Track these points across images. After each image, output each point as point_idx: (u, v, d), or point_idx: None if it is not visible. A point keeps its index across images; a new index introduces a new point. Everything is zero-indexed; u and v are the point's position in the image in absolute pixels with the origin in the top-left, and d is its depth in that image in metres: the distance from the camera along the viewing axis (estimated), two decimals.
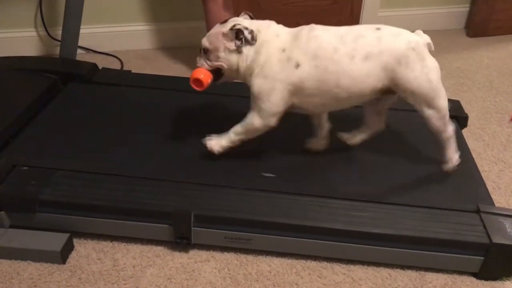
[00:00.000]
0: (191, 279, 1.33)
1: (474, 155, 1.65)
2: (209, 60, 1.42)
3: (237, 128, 1.48)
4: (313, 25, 1.40)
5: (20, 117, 1.67)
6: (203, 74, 1.41)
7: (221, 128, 1.70)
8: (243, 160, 1.56)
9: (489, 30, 2.73)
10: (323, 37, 1.36)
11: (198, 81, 1.41)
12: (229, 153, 1.58)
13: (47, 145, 1.58)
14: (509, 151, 1.85)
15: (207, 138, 1.51)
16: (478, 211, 1.38)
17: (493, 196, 1.49)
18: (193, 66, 2.36)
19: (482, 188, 1.50)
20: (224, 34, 1.37)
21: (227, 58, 1.39)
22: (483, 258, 1.32)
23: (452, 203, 1.42)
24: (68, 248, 1.37)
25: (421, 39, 1.37)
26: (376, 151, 1.61)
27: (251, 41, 1.36)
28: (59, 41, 2.20)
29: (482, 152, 1.84)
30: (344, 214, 1.37)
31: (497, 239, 1.29)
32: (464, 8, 2.78)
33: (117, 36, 2.49)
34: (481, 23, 2.71)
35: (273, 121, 1.43)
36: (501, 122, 2.02)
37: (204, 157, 1.56)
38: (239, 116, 1.77)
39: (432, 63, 1.37)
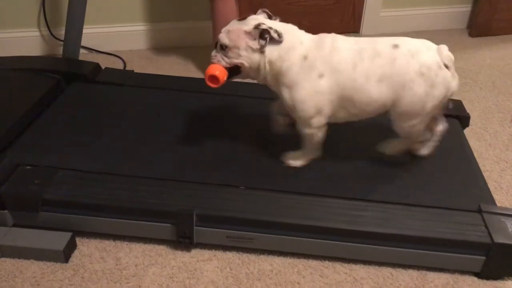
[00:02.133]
0: (193, 278, 1.33)
1: (476, 155, 1.66)
2: (227, 57, 1.39)
3: (303, 142, 1.50)
4: (335, 35, 1.40)
5: (23, 116, 1.67)
6: (219, 70, 1.38)
7: (223, 127, 1.71)
8: (245, 160, 1.56)
9: (492, 30, 2.73)
10: (344, 51, 1.36)
11: (214, 78, 1.38)
12: (231, 152, 1.59)
13: (50, 144, 1.59)
14: (511, 150, 1.85)
15: (287, 156, 1.53)
16: (480, 211, 1.39)
17: (495, 196, 1.49)
18: (194, 66, 2.39)
19: (484, 188, 1.50)
20: (246, 32, 1.35)
21: (249, 57, 1.37)
22: (484, 257, 1.32)
23: (454, 202, 1.42)
24: (70, 247, 1.38)
25: (438, 59, 1.34)
26: (378, 151, 1.61)
27: (279, 39, 1.34)
28: (62, 41, 2.21)
29: (484, 151, 1.84)
30: (346, 213, 1.37)
31: (499, 239, 1.30)
32: (467, 8, 2.78)
33: (120, 36, 2.50)
34: (483, 23, 2.71)
35: (322, 121, 1.42)
36: (503, 122, 2.02)
37: (206, 157, 1.57)
38: (241, 115, 1.78)
39: (440, 92, 1.35)
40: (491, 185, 1.60)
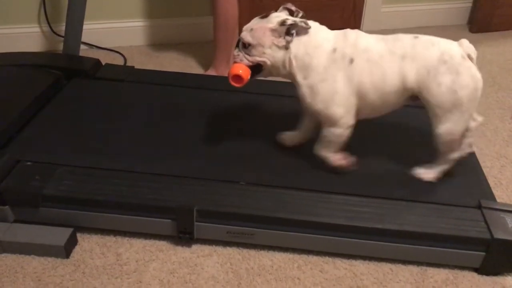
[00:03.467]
0: (193, 274, 1.34)
1: (476, 151, 1.65)
2: (250, 55, 1.37)
3: (322, 145, 1.46)
4: (357, 30, 1.40)
5: (23, 112, 1.68)
6: (242, 69, 1.36)
7: (224, 123, 1.71)
8: (245, 155, 1.56)
9: (492, 25, 2.72)
10: (369, 37, 1.38)
11: (238, 77, 1.36)
12: (232, 148, 1.59)
13: (51, 140, 1.59)
14: (511, 147, 1.85)
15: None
16: (479, 207, 1.39)
17: (495, 192, 1.49)
18: (194, 62, 2.38)
19: (484, 184, 1.50)
20: (272, 30, 1.33)
21: (273, 55, 1.35)
22: (484, 253, 1.32)
23: (454, 198, 1.42)
24: (71, 243, 1.38)
25: (460, 50, 1.34)
26: (379, 146, 1.62)
27: (306, 26, 1.33)
28: (62, 37, 2.21)
29: (484, 147, 1.84)
30: (346, 209, 1.37)
31: (498, 235, 1.30)
32: (467, 4, 2.77)
33: (120, 32, 2.49)
34: (484, 18, 2.71)
35: (350, 120, 1.40)
36: (503, 118, 2.02)
37: (207, 152, 1.57)
38: (241, 111, 1.78)
39: (467, 80, 1.31)
40: (491, 181, 1.61)
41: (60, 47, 2.23)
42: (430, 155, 1.57)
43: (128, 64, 2.34)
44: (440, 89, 1.32)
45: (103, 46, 2.47)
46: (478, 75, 1.34)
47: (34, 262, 1.35)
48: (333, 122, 1.40)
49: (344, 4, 2.66)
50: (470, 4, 2.77)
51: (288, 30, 1.33)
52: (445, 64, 1.31)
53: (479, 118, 1.51)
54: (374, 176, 1.50)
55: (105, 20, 2.46)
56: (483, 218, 1.35)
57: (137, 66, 2.13)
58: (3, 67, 1.93)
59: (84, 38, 2.23)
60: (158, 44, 2.53)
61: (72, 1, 2.05)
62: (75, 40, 2.13)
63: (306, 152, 1.58)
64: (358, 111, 1.41)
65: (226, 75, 1.40)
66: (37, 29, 2.43)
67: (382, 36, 1.39)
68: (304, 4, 2.59)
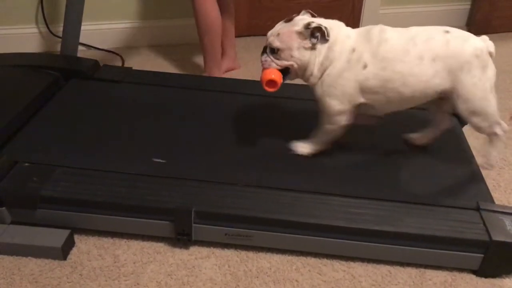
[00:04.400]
0: (191, 276, 1.33)
1: (474, 153, 1.65)
2: (279, 60, 1.40)
3: (317, 131, 1.52)
4: (382, 26, 1.41)
5: (21, 113, 1.67)
6: (274, 74, 1.39)
7: (222, 124, 1.71)
8: (244, 157, 1.56)
9: (491, 27, 2.72)
10: (393, 40, 1.38)
11: (272, 82, 1.39)
12: (230, 150, 1.59)
13: (48, 141, 1.59)
14: (509, 149, 1.85)
15: (294, 144, 1.55)
16: (478, 209, 1.39)
17: (493, 194, 1.49)
18: (192, 63, 2.38)
19: (482, 186, 1.50)
20: (298, 32, 1.37)
21: (300, 57, 1.39)
22: (482, 255, 1.32)
23: (452, 200, 1.42)
24: (69, 244, 1.38)
25: (485, 46, 1.38)
26: (377, 148, 1.62)
27: (327, 37, 1.36)
28: (60, 37, 2.20)
29: (482, 149, 1.83)
30: (345, 211, 1.37)
31: (497, 237, 1.30)
32: (466, 6, 2.78)
33: (118, 33, 2.49)
34: (482, 20, 2.71)
35: (342, 120, 1.45)
36: (501, 120, 2.01)
37: (205, 154, 1.57)
38: (239, 112, 1.78)
39: (492, 72, 1.39)
40: (490, 183, 1.60)
41: (58, 48, 2.22)
42: (430, 156, 1.57)
43: (126, 65, 2.34)
44: (473, 81, 1.37)
45: (101, 47, 2.47)
46: (494, 67, 1.43)
47: (31, 264, 1.35)
48: (328, 119, 1.46)
49: (342, 5, 2.66)
50: (469, 6, 2.78)
51: (313, 33, 1.36)
52: (478, 58, 1.36)
53: (504, 125, 1.51)
54: (372, 178, 1.50)
55: (103, 21, 2.46)
56: (482, 220, 1.35)
57: (135, 67, 2.12)
58: (1, 68, 1.92)
59: (82, 39, 2.22)
60: (156, 45, 2.53)
61: (70, 2, 2.04)
62: (73, 41, 2.12)
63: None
64: (371, 107, 1.45)
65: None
66: (35, 30, 2.43)
67: (412, 34, 1.39)
68: (303, 5, 2.60)
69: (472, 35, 1.40)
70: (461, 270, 1.36)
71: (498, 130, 1.45)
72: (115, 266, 1.35)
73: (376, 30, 1.40)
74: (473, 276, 1.35)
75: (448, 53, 1.35)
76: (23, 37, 2.41)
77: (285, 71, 1.42)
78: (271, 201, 1.39)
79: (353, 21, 2.71)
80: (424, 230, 1.33)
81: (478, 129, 1.45)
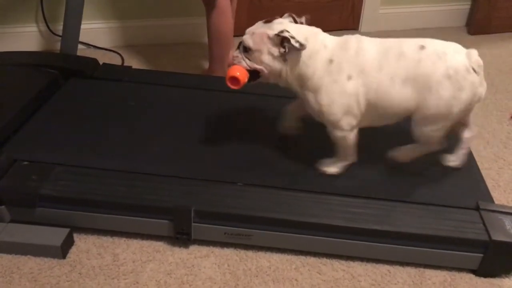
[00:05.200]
0: (191, 275, 1.33)
1: (474, 153, 1.65)
2: (249, 60, 1.36)
3: (336, 149, 1.47)
4: (359, 36, 1.37)
5: (21, 112, 1.67)
6: (240, 72, 1.35)
7: (221, 124, 1.71)
8: (243, 156, 1.56)
9: (490, 27, 2.72)
10: (370, 52, 1.34)
11: (235, 79, 1.35)
12: (229, 149, 1.59)
13: (47, 140, 1.58)
14: (509, 148, 1.85)
15: (322, 164, 1.50)
16: (477, 209, 1.39)
17: (492, 194, 1.49)
18: (192, 62, 2.38)
19: (482, 186, 1.50)
20: (269, 38, 1.32)
21: (269, 64, 1.34)
22: (482, 255, 1.32)
23: (452, 200, 1.42)
24: (68, 243, 1.38)
25: (466, 63, 1.30)
26: (376, 148, 1.61)
27: (300, 48, 1.29)
28: (60, 36, 2.20)
29: (482, 149, 1.84)
30: (344, 210, 1.37)
31: (496, 236, 1.30)
32: (465, 6, 2.78)
33: (118, 32, 2.49)
34: (482, 20, 2.71)
35: (352, 122, 1.38)
36: (501, 120, 2.02)
37: (204, 153, 1.56)
38: (239, 112, 1.78)
39: (467, 96, 1.30)
40: (489, 183, 1.60)
41: (58, 46, 2.22)
42: (430, 156, 1.57)
43: (126, 64, 2.34)
44: (437, 102, 1.31)
45: (100, 46, 2.47)
46: (480, 89, 1.33)
47: (30, 263, 1.35)
48: (334, 126, 1.40)
49: (342, 5, 2.66)
50: (469, 6, 2.77)
51: (283, 42, 1.30)
52: (450, 79, 1.29)
53: (475, 130, 1.50)
54: (372, 177, 1.50)
55: (103, 20, 2.46)
56: (481, 220, 1.35)
57: (134, 66, 2.12)
58: (0, 66, 1.92)
59: (81, 38, 2.22)
60: (156, 44, 2.52)
61: (70, 1, 2.04)
62: (72, 40, 2.12)
63: (304, 153, 1.58)
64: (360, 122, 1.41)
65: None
66: (35, 29, 2.42)
67: (386, 47, 1.34)
68: (303, 5, 2.61)
69: (452, 49, 1.32)
70: (460, 269, 1.37)
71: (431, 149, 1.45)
72: (115, 265, 1.35)
73: (353, 39, 1.36)
74: (473, 276, 1.35)
75: (418, 73, 1.30)
76: (23, 35, 2.41)
77: (257, 74, 1.37)
78: (271, 201, 1.39)
79: (353, 21, 2.71)
80: (423, 229, 1.33)
81: (419, 141, 1.42)
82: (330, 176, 1.49)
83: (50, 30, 2.41)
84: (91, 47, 2.47)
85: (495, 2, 2.65)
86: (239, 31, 2.59)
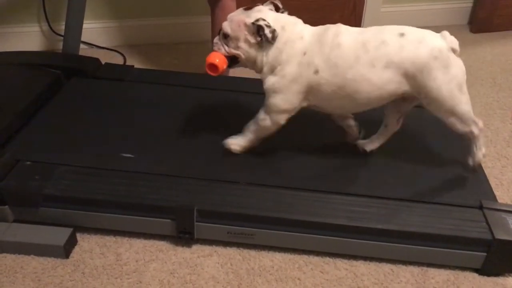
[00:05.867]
0: (194, 274, 1.33)
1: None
2: (228, 46, 1.39)
3: (250, 126, 1.49)
4: (339, 27, 1.38)
5: (23, 112, 1.67)
6: (219, 58, 1.38)
7: (223, 123, 1.71)
8: (245, 156, 1.55)
9: (493, 26, 2.72)
10: (346, 45, 1.34)
11: (213, 66, 1.38)
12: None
13: (50, 140, 1.59)
14: None
15: (227, 141, 1.52)
16: (481, 207, 1.39)
17: (496, 192, 1.49)
18: (194, 61, 2.38)
19: (485, 184, 1.50)
20: (246, 25, 1.34)
21: (247, 50, 1.37)
22: (485, 254, 1.32)
23: (455, 199, 1.42)
24: (71, 243, 1.38)
25: (445, 43, 1.33)
26: (379, 147, 1.61)
27: (271, 41, 1.33)
28: (62, 36, 2.20)
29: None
30: (347, 209, 1.37)
31: (499, 235, 1.29)
32: (468, 4, 2.77)
33: (120, 31, 2.49)
34: (484, 19, 2.70)
35: (282, 119, 1.43)
36: (504, 119, 2.02)
37: (207, 152, 1.56)
38: (242, 111, 1.77)
39: (456, 70, 1.33)
40: (492, 182, 1.60)
41: (60, 46, 2.22)
42: (433, 155, 1.57)
43: (128, 63, 2.34)
44: (436, 83, 1.33)
45: (102, 46, 2.47)
46: (461, 63, 1.37)
47: (34, 262, 1.35)
48: (271, 112, 1.43)
49: (344, 4, 2.66)
50: (471, 4, 2.77)
51: (259, 30, 1.33)
52: (436, 59, 1.31)
53: (480, 124, 1.50)
54: (375, 176, 1.50)
55: (105, 20, 2.46)
56: (484, 219, 1.35)
57: (136, 66, 2.12)
58: (3, 66, 1.92)
59: (83, 37, 2.22)
60: (157, 43, 2.52)
61: (72, 0, 2.04)
62: (74, 39, 2.12)
63: (306, 152, 1.58)
64: (320, 107, 1.44)
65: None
66: (37, 28, 2.43)
67: (367, 38, 1.35)
68: (304, 3, 2.60)
69: (429, 33, 1.35)
70: (463, 268, 1.36)
71: (474, 129, 1.41)
72: (118, 264, 1.35)
73: (331, 32, 1.36)
74: (476, 275, 1.35)
75: (402, 59, 1.32)
76: (25, 35, 2.41)
77: (235, 59, 1.41)
78: (274, 200, 1.39)
79: (354, 20, 2.71)
80: (426, 228, 1.33)
81: (455, 129, 1.41)
82: (333, 175, 1.49)
83: (52, 30, 2.41)
84: (93, 46, 2.47)
85: (497, 0, 2.65)
86: None
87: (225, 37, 1.38)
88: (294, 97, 1.39)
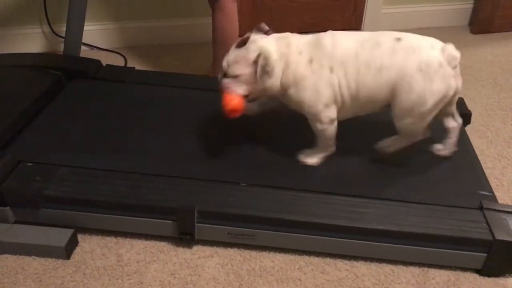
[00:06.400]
0: (194, 275, 1.33)
1: (477, 152, 1.65)
2: (240, 86, 1.40)
3: (317, 141, 1.51)
4: (332, 32, 1.41)
5: (24, 113, 1.67)
6: (237, 101, 1.39)
7: (223, 124, 1.71)
8: (246, 156, 1.56)
9: (493, 26, 2.72)
10: (345, 44, 1.38)
11: (233, 111, 1.40)
12: (233, 149, 1.59)
13: (51, 141, 1.59)
14: None
15: (302, 154, 1.53)
16: (481, 208, 1.39)
17: (496, 193, 1.49)
18: (195, 63, 2.38)
19: (485, 185, 1.50)
20: (249, 62, 1.36)
21: (258, 83, 1.38)
22: (486, 254, 1.32)
23: (455, 199, 1.42)
24: (72, 244, 1.38)
25: (440, 58, 1.33)
26: (376, 149, 1.61)
27: (267, 75, 1.36)
28: (63, 37, 2.21)
29: (485, 149, 1.83)
30: (348, 210, 1.37)
31: (500, 236, 1.30)
32: (468, 5, 2.77)
33: (121, 33, 2.49)
34: (485, 19, 2.70)
35: (332, 115, 1.43)
36: (504, 119, 2.02)
37: (207, 153, 1.57)
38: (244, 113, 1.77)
39: (438, 88, 1.34)
40: (493, 182, 1.60)
41: (61, 48, 2.22)
42: (433, 155, 1.57)
43: (129, 65, 2.34)
44: (409, 96, 1.35)
45: (103, 47, 2.47)
46: (453, 83, 1.36)
47: (35, 263, 1.35)
48: (315, 119, 1.44)
49: (345, 5, 2.66)
50: (471, 5, 2.77)
51: (264, 68, 1.35)
52: (421, 72, 1.32)
53: (459, 120, 1.53)
54: (375, 177, 1.50)
55: (106, 21, 2.46)
56: (485, 219, 1.35)
57: (137, 67, 2.13)
58: (4, 68, 1.93)
59: (84, 39, 2.22)
60: (158, 45, 2.53)
61: (73, 2, 2.05)
62: (75, 41, 2.13)
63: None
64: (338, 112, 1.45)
65: None
66: (38, 30, 2.43)
67: (363, 38, 1.38)
68: (305, 5, 2.61)
69: (428, 43, 1.36)
70: (464, 269, 1.36)
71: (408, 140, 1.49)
72: (119, 265, 1.35)
73: (327, 36, 1.40)
74: (477, 275, 1.35)
75: (392, 64, 1.34)
76: (26, 37, 2.42)
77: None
78: (274, 201, 1.39)
79: (355, 21, 2.71)
80: (427, 229, 1.33)
81: (400, 133, 1.46)
82: (333, 176, 1.49)
83: (53, 32, 2.41)
84: (94, 48, 2.48)
85: (498, 1, 2.65)
86: (241, 31, 2.59)
87: (235, 77, 1.39)
88: (326, 98, 1.40)
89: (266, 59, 1.34)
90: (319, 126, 1.45)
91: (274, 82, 1.39)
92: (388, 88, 1.36)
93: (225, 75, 1.42)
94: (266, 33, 1.43)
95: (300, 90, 1.40)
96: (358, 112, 1.47)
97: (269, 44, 1.39)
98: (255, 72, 1.36)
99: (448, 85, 1.35)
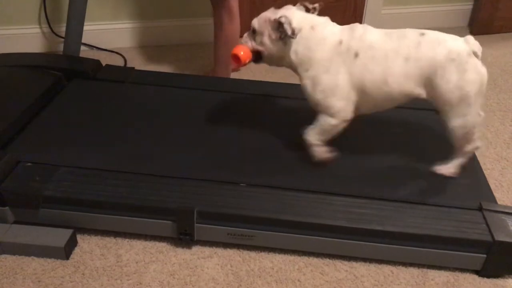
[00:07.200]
0: (194, 275, 1.33)
1: (477, 153, 1.65)
2: (254, 41, 1.43)
3: (314, 130, 1.47)
4: (364, 24, 1.43)
5: (24, 113, 1.67)
6: (244, 51, 1.43)
7: (224, 124, 1.71)
8: (246, 157, 1.56)
9: (493, 28, 2.72)
10: (375, 32, 1.40)
11: (236, 58, 1.43)
12: (233, 150, 1.59)
13: (51, 141, 1.59)
14: None
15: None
16: (480, 209, 1.39)
17: (495, 194, 1.49)
18: (195, 63, 2.39)
19: (484, 186, 1.50)
20: (270, 21, 1.39)
21: (269, 46, 1.41)
22: (485, 255, 1.32)
23: (454, 200, 1.42)
24: (71, 244, 1.38)
25: (467, 48, 1.34)
26: (379, 148, 1.61)
27: (292, 36, 1.36)
28: (63, 37, 2.21)
29: (485, 150, 1.83)
30: (347, 211, 1.37)
31: (499, 237, 1.29)
32: (468, 6, 2.77)
33: (121, 33, 2.49)
34: (485, 20, 2.70)
35: (348, 114, 1.42)
36: (504, 120, 2.02)
37: (207, 154, 1.57)
38: (242, 112, 1.78)
39: (473, 76, 1.33)
40: (492, 183, 1.60)
41: (61, 48, 2.22)
42: (433, 157, 1.57)
43: (129, 65, 2.34)
44: (448, 86, 1.33)
45: (103, 47, 2.47)
46: (483, 70, 1.36)
47: (34, 263, 1.35)
48: (330, 114, 1.43)
49: (345, 5, 2.66)
50: (471, 6, 2.77)
51: (279, 26, 1.36)
52: (453, 62, 1.32)
53: (482, 113, 1.51)
54: (375, 177, 1.50)
55: (105, 21, 2.46)
56: (484, 220, 1.35)
57: (137, 67, 2.13)
58: (4, 68, 1.93)
59: (84, 39, 2.22)
60: (158, 45, 2.53)
61: (73, 2, 2.05)
62: (75, 41, 2.13)
63: (307, 153, 1.58)
64: (358, 106, 1.43)
65: None
66: (38, 30, 2.43)
67: (389, 31, 1.40)
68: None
69: (451, 37, 1.37)
70: (463, 270, 1.36)
71: (469, 147, 1.45)
72: (118, 265, 1.35)
73: (359, 26, 1.42)
74: (476, 276, 1.35)
75: (418, 55, 1.33)
76: (26, 37, 2.42)
77: (260, 55, 1.45)
78: (274, 201, 1.39)
79: (355, 22, 2.70)
80: (426, 230, 1.33)
81: (452, 137, 1.42)
82: (333, 177, 1.49)
83: (53, 32, 2.41)
84: (94, 48, 2.48)
85: (498, 2, 2.65)
86: (241, 30, 2.59)
87: (253, 32, 1.43)
88: (345, 91, 1.39)
89: (287, 22, 1.35)
90: (332, 121, 1.43)
91: (287, 52, 1.40)
92: (418, 81, 1.35)
93: (253, 31, 1.44)
94: (308, 11, 1.46)
95: (322, 71, 1.39)
96: (379, 106, 1.44)
97: (299, 14, 1.41)
98: (268, 33, 1.39)
99: (481, 73, 1.35)
